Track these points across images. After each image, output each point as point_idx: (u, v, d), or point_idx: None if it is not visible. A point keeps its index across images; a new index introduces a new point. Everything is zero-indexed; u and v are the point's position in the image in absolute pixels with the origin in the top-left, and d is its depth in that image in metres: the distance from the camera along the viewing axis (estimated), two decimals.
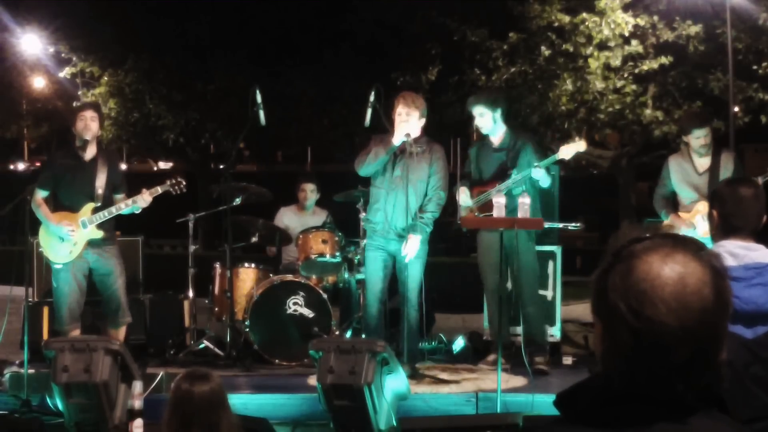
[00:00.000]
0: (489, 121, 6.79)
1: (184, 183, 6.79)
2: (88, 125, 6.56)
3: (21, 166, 34.61)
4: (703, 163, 6.56)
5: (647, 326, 1.39)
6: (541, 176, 6.56)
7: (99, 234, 6.55)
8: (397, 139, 6.41)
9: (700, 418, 1.41)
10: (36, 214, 6.51)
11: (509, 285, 7.11)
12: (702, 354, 1.41)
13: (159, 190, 6.66)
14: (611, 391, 1.43)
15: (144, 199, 6.56)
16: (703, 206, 6.38)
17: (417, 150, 6.41)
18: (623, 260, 1.44)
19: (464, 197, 6.83)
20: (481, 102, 6.84)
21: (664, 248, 1.43)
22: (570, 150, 6.60)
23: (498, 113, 6.79)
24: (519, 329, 6.88)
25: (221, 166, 18.80)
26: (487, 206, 6.52)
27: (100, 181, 6.58)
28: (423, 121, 6.50)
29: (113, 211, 6.57)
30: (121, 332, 6.68)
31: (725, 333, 1.44)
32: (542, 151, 6.92)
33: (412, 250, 6.40)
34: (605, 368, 1.46)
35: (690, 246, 1.45)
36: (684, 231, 6.47)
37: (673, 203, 6.72)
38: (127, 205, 6.58)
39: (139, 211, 6.62)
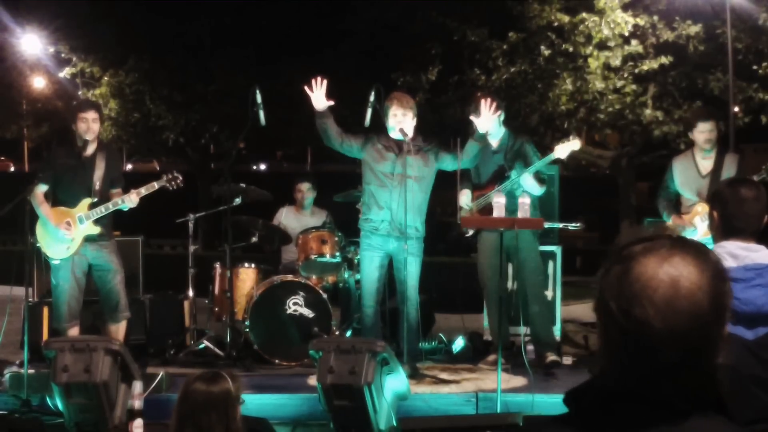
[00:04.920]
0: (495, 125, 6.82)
1: (180, 178, 6.80)
2: (90, 127, 6.59)
3: None
4: (707, 165, 6.54)
5: (634, 327, 1.40)
6: (531, 185, 6.57)
7: (96, 230, 6.55)
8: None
9: (694, 421, 1.40)
10: (36, 211, 6.51)
11: (509, 285, 7.11)
12: (693, 357, 1.41)
13: (155, 185, 6.66)
14: (606, 390, 1.44)
15: (131, 199, 6.53)
16: (701, 207, 6.39)
17: (414, 148, 6.45)
18: (621, 262, 1.45)
19: (465, 199, 6.83)
20: None
21: (662, 251, 1.43)
22: (565, 149, 6.59)
23: (501, 117, 6.80)
24: (519, 329, 6.89)
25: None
26: (487, 210, 6.52)
27: (98, 176, 6.59)
28: (415, 120, 6.54)
29: (110, 206, 6.56)
30: (121, 328, 6.67)
31: (721, 337, 1.43)
32: (540, 152, 6.91)
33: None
34: (601, 367, 1.49)
35: (690, 249, 1.44)
36: (685, 232, 6.48)
37: (676, 204, 6.72)
38: (115, 205, 6.56)
39: (127, 210, 6.59)
